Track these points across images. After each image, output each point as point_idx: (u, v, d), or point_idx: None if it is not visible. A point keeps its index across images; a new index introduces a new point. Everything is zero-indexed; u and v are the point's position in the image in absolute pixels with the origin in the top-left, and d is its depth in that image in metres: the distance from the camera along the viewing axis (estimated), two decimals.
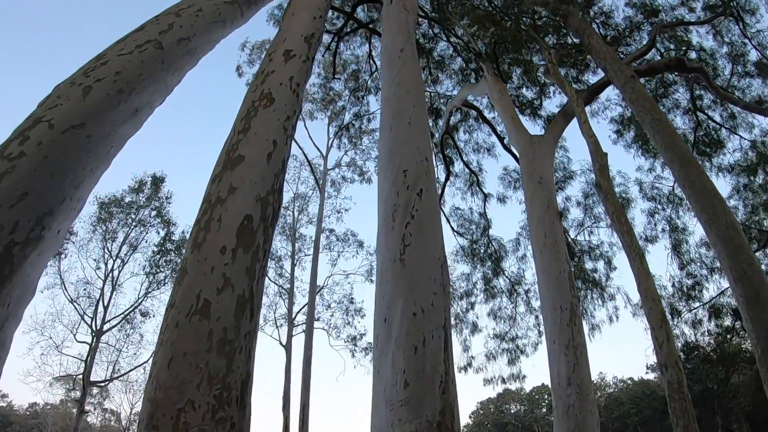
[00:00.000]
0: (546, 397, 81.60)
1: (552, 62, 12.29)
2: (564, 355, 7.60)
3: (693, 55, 15.54)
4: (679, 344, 18.75)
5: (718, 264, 16.67)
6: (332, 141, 24.51)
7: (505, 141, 17.39)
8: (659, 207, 18.14)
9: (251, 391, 3.16)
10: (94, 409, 35.41)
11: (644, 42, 14.63)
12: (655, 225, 18.11)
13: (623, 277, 26.57)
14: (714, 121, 15.98)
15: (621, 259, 18.24)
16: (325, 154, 25.12)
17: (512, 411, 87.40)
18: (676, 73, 14.89)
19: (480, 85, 14.22)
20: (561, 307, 8.00)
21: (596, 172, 9.39)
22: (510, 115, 11.89)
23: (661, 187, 18.05)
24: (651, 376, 73.49)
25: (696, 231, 18.49)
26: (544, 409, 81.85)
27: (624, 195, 18.48)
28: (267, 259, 3.96)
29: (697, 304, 17.47)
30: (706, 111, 16.00)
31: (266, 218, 4.06)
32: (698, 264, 17.52)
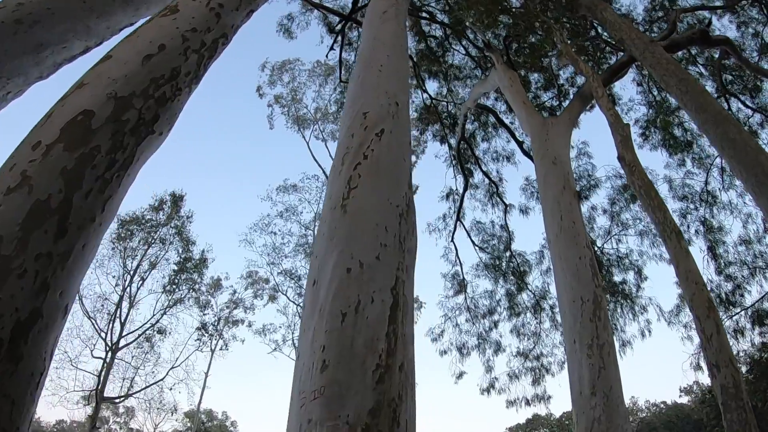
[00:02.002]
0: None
1: (564, 41, 10.63)
2: (587, 357, 5.77)
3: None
4: None
5: (761, 263, 14.49)
6: None
7: (524, 146, 15.74)
8: (691, 207, 16.00)
9: (43, 338, 2.43)
10: (120, 428, 34.20)
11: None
12: (688, 227, 15.96)
13: (655, 288, 24.19)
14: (747, 106, 13.96)
15: (652, 268, 16.20)
16: None
17: None
18: (700, 48, 13.01)
19: (490, 79, 12.64)
20: (582, 298, 6.18)
21: (618, 145, 7.66)
22: (521, 100, 10.24)
23: (692, 184, 15.96)
24: (685, 399, 69.11)
25: (734, 229, 16.29)
26: None
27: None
28: (124, 174, 3.17)
29: (738, 310, 15.09)
30: (738, 96, 14.00)
31: (122, 121, 3.17)
32: (738, 265, 15.25)
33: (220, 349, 26.01)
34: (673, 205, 16.57)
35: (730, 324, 15.35)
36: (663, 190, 17.06)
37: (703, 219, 16.20)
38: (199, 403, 27.68)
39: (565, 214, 7.09)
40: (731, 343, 15.49)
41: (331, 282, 3.08)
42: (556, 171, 7.83)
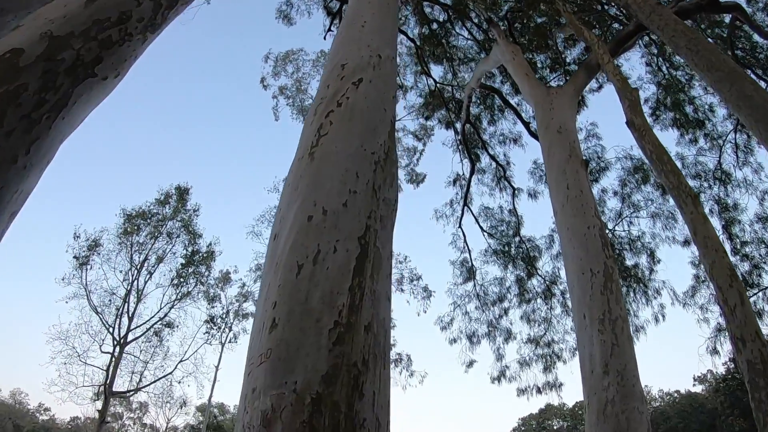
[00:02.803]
0: None
1: (568, 12, 10.02)
2: (598, 333, 5.21)
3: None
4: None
5: None
6: None
7: (531, 127, 15.15)
8: (705, 185, 15.30)
9: None
10: (134, 423, 34.04)
11: None
12: (702, 206, 15.24)
13: (668, 271, 23.47)
14: (761, 78, 13.24)
15: (665, 251, 15.55)
16: None
17: (555, 427, 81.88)
18: (709, 14, 12.31)
19: (493, 55, 12.04)
20: (591, 270, 5.63)
21: (626, 110, 7.12)
22: (524, 72, 9.66)
23: (705, 161, 15.26)
24: (698, 388, 67.97)
25: (750, 207, 15.57)
26: None
27: None
28: (56, 116, 2.86)
29: (756, 291, 14.36)
30: (751, 68, 13.27)
31: (56, 60, 2.89)
32: (755, 244, 14.54)
33: (229, 341, 25.67)
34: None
35: None
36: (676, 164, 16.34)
37: (717, 198, 15.52)
38: (210, 396, 27.36)
39: (572, 182, 6.54)
40: None
41: (290, 232, 2.62)
42: (562, 140, 7.26)
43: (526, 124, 15.03)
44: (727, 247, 14.99)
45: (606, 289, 5.42)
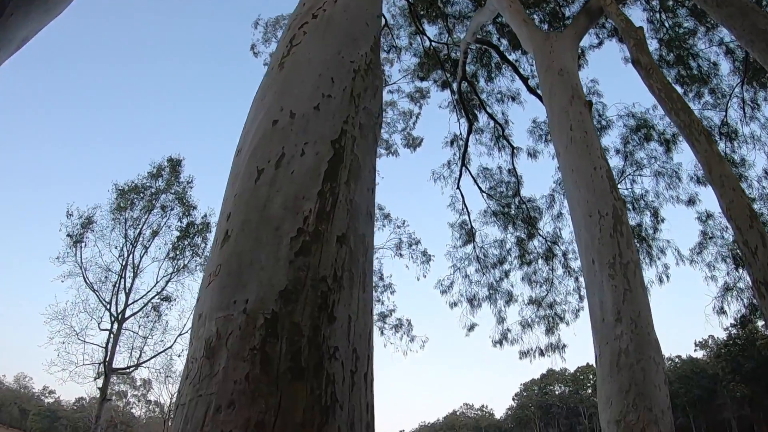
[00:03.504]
0: (591, 377, 76.74)
1: None
2: (609, 278, 4.81)
3: None
4: (741, 306, 15.19)
5: None
6: None
7: (530, 83, 14.61)
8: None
9: None
10: (138, 401, 34.08)
11: None
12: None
13: (672, 230, 23.10)
14: None
15: (669, 211, 15.11)
16: None
17: (557, 392, 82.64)
18: None
19: (488, 5, 11.44)
20: (599, 212, 5.21)
21: (632, 49, 6.66)
22: (521, 18, 9.07)
23: (711, 117, 14.74)
24: (700, 354, 68.37)
25: (757, 163, 15.10)
26: (590, 390, 76.96)
27: (672, 125, 15.17)
28: None
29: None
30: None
31: None
32: (763, 201, 14.11)
33: None
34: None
35: None
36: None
37: (723, 154, 15.03)
38: None
39: (575, 124, 6.07)
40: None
41: (252, 140, 2.26)
42: (563, 81, 6.76)
43: (525, 80, 14.50)
44: None
45: (616, 231, 5.00)
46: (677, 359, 73.05)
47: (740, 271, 14.48)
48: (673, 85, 15.98)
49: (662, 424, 4.29)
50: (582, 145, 5.83)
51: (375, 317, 19.80)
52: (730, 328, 56.78)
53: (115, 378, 22.58)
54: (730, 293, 14.70)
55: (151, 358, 21.26)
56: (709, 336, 66.92)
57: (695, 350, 69.44)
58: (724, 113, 15.28)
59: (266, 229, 1.78)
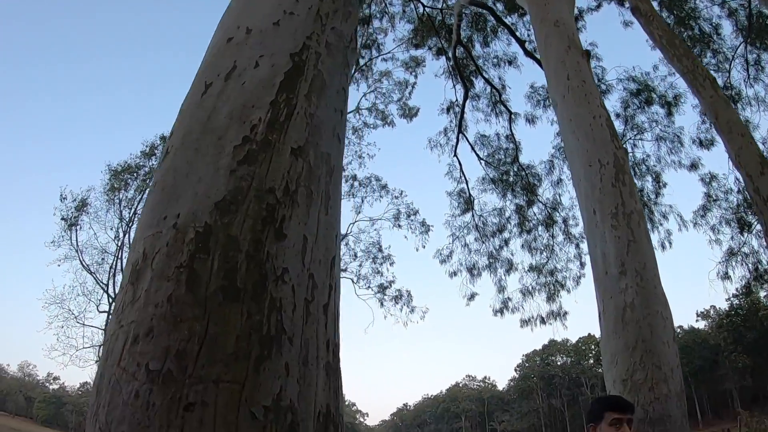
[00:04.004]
0: (593, 347, 77.15)
1: None
2: (611, 229, 4.53)
3: None
4: (746, 272, 14.91)
5: None
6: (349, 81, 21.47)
7: (526, 45, 14.17)
8: None
9: None
10: None
11: None
12: (711, 125, 14.38)
13: (675, 196, 22.78)
14: None
15: (671, 176, 14.78)
16: None
17: (558, 363, 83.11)
18: None
19: None
20: (600, 161, 4.92)
21: None
22: None
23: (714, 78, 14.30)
24: (701, 324, 68.44)
25: (762, 125, 14.73)
26: (592, 360, 77.39)
27: (673, 87, 14.81)
28: None
29: None
30: None
31: None
32: None
33: None
34: (693, 101, 15.02)
35: (761, 229, 13.98)
36: (682, 84, 15.46)
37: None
38: None
39: (573, 73, 5.74)
40: (763, 254, 14.17)
41: (204, 59, 2.05)
42: (559, 32, 6.39)
43: (522, 43, 14.06)
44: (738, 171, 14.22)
45: (618, 180, 4.71)
46: (679, 329, 73.15)
47: (745, 235, 14.21)
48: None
49: (672, 383, 4.05)
50: (580, 94, 5.52)
51: (374, 289, 19.50)
52: (732, 299, 56.86)
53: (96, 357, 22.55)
54: (735, 258, 14.45)
55: None
56: (710, 306, 66.97)
57: (697, 320, 69.46)
58: (727, 75, 14.84)
59: (208, 139, 1.51)
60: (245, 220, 1.30)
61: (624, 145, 15.21)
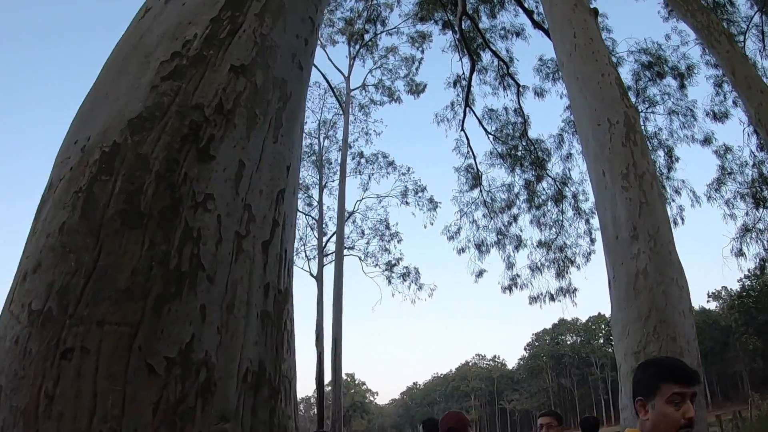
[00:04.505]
0: (603, 327, 76.88)
1: None
2: (622, 190, 4.25)
3: None
4: (761, 249, 14.48)
5: None
6: (354, 57, 21.13)
7: (534, 16, 13.74)
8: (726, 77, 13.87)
9: None
10: None
11: None
12: (725, 96, 13.93)
13: (688, 170, 22.33)
14: None
15: (683, 150, 14.34)
16: (347, 74, 21.76)
17: (568, 342, 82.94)
18: None
19: None
20: (609, 120, 4.62)
21: None
22: None
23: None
24: (713, 305, 67.74)
25: None
26: (602, 340, 77.15)
27: (686, 57, 14.33)
28: None
29: None
30: None
31: None
32: None
33: None
34: (706, 71, 14.55)
35: None
36: (695, 53, 14.96)
37: None
38: None
39: (580, 32, 5.41)
40: None
41: None
42: None
43: (530, 13, 13.63)
44: (753, 141, 13.79)
45: (628, 140, 4.42)
46: None
47: (761, 211, 13.80)
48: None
49: (688, 357, 3.76)
50: (587, 52, 5.20)
51: (382, 266, 19.28)
52: (743, 280, 56.10)
53: None
54: (750, 234, 14.05)
55: None
56: (722, 287, 66.18)
57: (708, 301, 68.65)
58: (742, 45, 14.30)
59: (135, 58, 1.30)
60: (161, 137, 1.07)
61: None
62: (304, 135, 1.96)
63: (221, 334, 0.97)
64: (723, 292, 66.11)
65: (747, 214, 14.06)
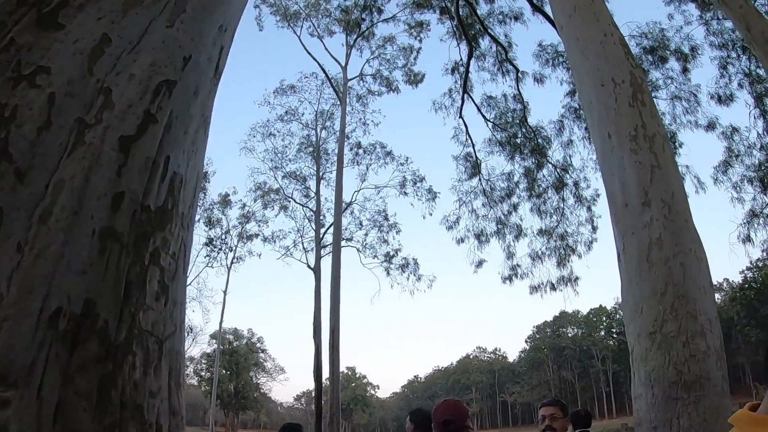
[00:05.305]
0: (604, 319, 76.51)
1: None
2: (630, 153, 3.83)
3: None
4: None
5: None
6: (351, 47, 20.73)
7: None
8: (733, 56, 13.43)
9: None
10: None
11: None
12: (730, 79, 13.49)
13: (692, 156, 21.96)
14: None
15: (687, 136, 13.90)
16: (344, 64, 21.36)
17: (569, 335, 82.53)
18: None
19: None
20: (614, 80, 4.20)
21: None
22: None
23: (729, 27, 13.39)
24: (716, 296, 67.32)
25: None
26: (603, 332, 76.75)
27: (690, 38, 13.88)
28: None
29: None
30: None
31: None
32: None
33: (232, 262, 25.11)
34: (711, 53, 14.11)
35: None
36: (699, 34, 14.50)
37: (747, 70, 13.68)
38: (221, 322, 26.94)
39: None
40: None
41: None
42: None
43: None
44: (760, 125, 13.38)
45: (636, 100, 4.00)
46: None
47: (766, 194, 13.38)
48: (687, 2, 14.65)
49: (710, 338, 3.36)
50: (588, 12, 4.78)
51: (380, 258, 18.87)
52: (745, 271, 55.55)
53: None
54: (757, 220, 13.64)
55: None
56: (724, 279, 65.66)
57: None
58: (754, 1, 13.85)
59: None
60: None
61: None
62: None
63: (22, 253, 0.61)
64: (725, 284, 65.62)
65: (754, 198, 13.67)
